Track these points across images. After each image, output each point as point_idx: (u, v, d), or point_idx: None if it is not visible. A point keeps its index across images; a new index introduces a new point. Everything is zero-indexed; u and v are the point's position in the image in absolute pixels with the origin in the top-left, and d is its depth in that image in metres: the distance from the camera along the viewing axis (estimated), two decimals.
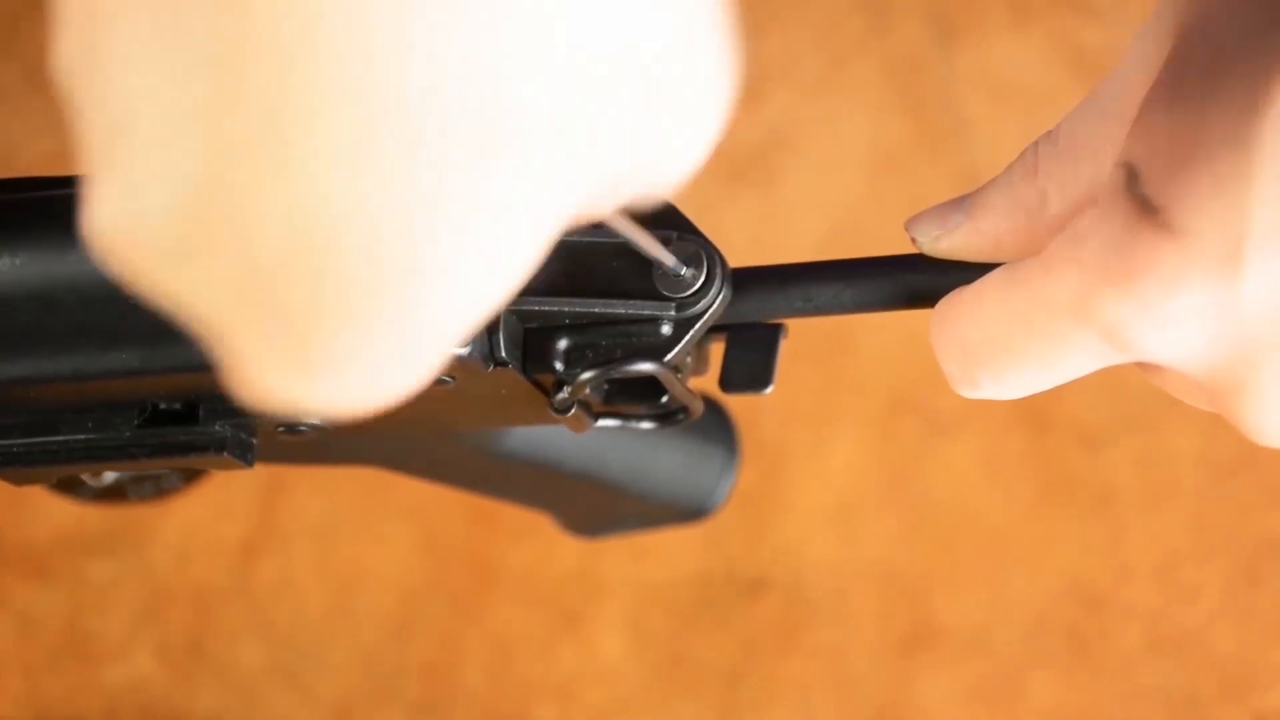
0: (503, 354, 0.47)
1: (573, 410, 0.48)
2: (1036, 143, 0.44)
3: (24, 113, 1.03)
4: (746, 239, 0.98)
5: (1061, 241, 0.42)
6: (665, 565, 0.94)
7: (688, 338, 0.47)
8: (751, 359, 0.51)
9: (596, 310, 0.47)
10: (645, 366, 0.47)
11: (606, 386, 0.50)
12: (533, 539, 0.94)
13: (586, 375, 0.47)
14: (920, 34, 1.01)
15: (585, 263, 0.47)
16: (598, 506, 0.65)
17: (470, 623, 0.94)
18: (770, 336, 0.51)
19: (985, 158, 0.99)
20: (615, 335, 0.47)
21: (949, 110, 1.00)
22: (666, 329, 0.47)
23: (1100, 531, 0.93)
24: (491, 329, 0.46)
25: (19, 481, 0.51)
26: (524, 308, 0.47)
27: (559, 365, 0.48)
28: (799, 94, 1.01)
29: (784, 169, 1.00)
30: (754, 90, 1.01)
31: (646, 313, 0.47)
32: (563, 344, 0.48)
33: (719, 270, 0.47)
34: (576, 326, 0.47)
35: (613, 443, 0.61)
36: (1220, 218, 0.39)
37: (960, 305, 0.45)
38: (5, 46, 1.04)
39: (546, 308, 0.47)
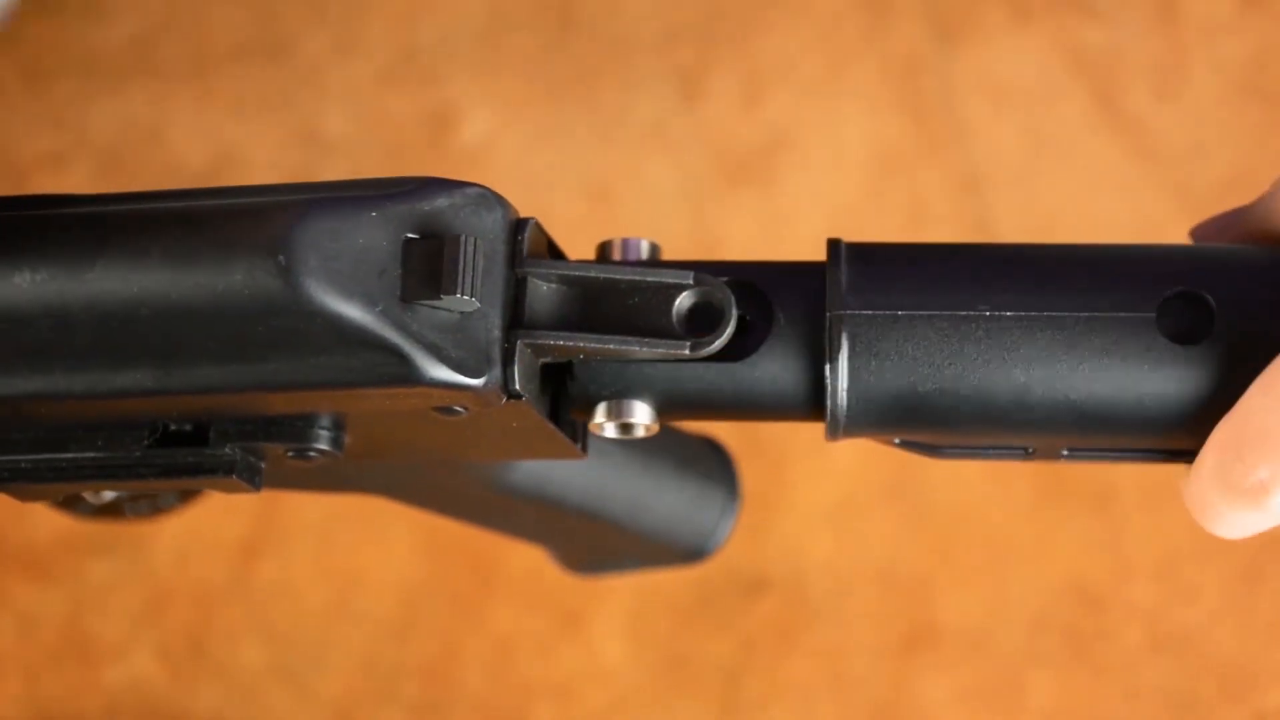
0: (517, 386, 0.46)
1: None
2: None
3: (24, 113, 1.03)
4: (746, 239, 0.98)
5: None
6: None
7: None
8: None
9: (611, 347, 0.47)
10: None
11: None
12: None
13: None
14: (920, 34, 1.01)
15: (601, 298, 0.47)
16: (597, 544, 0.65)
17: (470, 623, 0.94)
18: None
19: (985, 158, 0.99)
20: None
21: (949, 110, 0.99)
22: None
23: (1100, 531, 0.93)
24: (507, 361, 0.46)
25: (25, 497, 0.50)
26: (539, 341, 0.46)
27: None
28: (799, 94, 1.01)
29: (784, 169, 0.99)
30: (754, 90, 1.01)
31: (661, 350, 0.47)
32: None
33: None
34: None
35: (616, 481, 0.60)
36: None
37: None
38: (5, 46, 1.04)
39: (561, 342, 0.47)
